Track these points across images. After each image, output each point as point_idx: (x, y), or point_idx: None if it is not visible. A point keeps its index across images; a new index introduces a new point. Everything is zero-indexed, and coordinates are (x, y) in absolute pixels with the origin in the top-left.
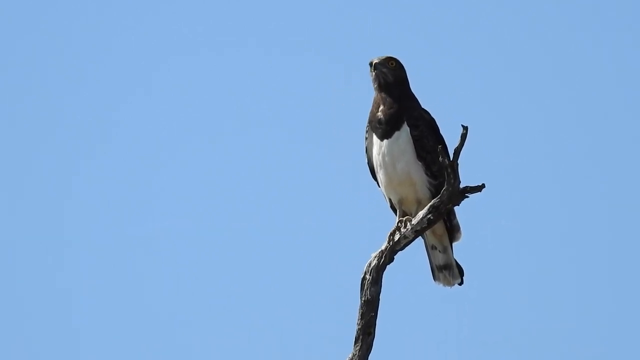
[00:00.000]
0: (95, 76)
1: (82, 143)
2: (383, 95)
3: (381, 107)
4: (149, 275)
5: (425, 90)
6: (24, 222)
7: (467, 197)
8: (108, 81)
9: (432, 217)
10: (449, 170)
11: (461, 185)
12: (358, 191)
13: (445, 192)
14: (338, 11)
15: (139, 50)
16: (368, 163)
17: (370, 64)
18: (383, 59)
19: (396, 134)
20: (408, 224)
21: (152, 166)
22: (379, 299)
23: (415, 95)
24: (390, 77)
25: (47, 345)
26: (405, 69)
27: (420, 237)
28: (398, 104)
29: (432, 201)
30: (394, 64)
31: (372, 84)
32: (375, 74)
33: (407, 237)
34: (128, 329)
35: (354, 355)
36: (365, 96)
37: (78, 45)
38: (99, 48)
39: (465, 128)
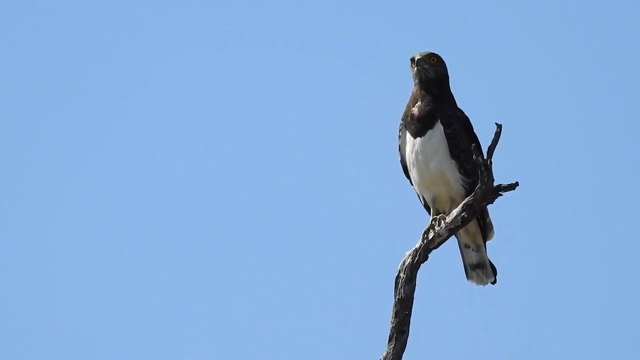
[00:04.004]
0: (95, 75)
1: (80, 142)
2: (422, 92)
3: (418, 103)
4: (161, 276)
5: (456, 89)
6: (22, 221)
7: (501, 195)
8: (108, 80)
9: (466, 216)
10: (483, 168)
11: (495, 184)
12: (392, 189)
13: (479, 190)
14: (343, 10)
15: (141, 49)
16: (401, 161)
17: (412, 59)
18: (425, 55)
19: (429, 132)
20: (442, 222)
21: (153, 165)
22: (413, 297)
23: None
24: (432, 73)
25: (43, 346)
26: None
27: (453, 235)
28: (434, 103)
29: (466, 199)
30: (436, 60)
31: (412, 79)
32: (417, 69)
33: (441, 236)
34: (128, 330)
35: (388, 353)
36: (388, 94)
37: (77, 45)
38: (99, 48)
39: (499, 126)
